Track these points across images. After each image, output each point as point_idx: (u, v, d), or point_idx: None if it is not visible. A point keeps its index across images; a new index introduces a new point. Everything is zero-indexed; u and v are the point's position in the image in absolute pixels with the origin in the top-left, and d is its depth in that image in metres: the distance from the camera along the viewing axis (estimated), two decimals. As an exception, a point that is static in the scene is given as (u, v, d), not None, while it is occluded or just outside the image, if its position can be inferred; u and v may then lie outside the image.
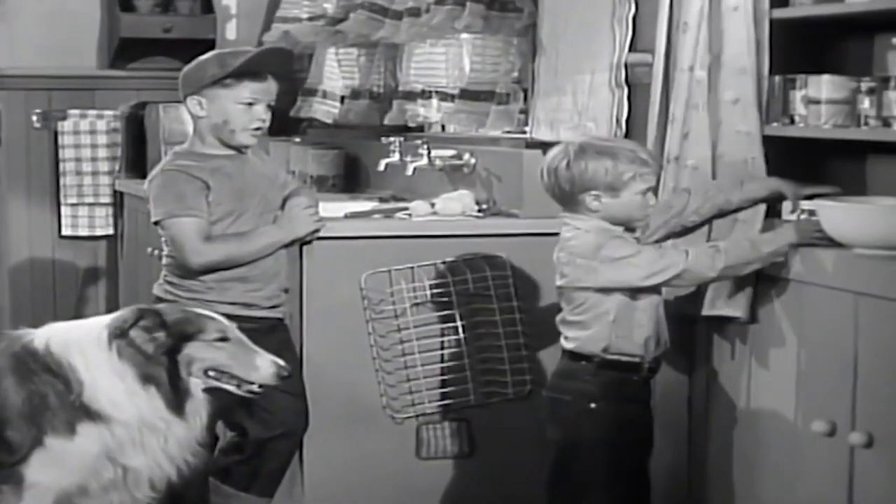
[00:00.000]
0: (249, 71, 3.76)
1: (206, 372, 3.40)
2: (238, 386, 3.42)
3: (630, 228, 3.44)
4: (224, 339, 3.40)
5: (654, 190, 3.45)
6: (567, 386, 3.47)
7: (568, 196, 3.42)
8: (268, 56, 3.91)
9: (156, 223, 3.78)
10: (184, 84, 3.82)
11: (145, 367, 3.34)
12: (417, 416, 4.12)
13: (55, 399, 3.33)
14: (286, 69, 4.03)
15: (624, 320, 3.40)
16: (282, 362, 3.43)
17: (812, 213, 3.38)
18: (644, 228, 3.51)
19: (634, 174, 3.37)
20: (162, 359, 3.35)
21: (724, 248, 3.37)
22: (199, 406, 3.43)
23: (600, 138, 3.57)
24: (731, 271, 3.39)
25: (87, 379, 3.34)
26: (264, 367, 3.41)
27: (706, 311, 3.61)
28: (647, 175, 3.38)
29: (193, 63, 3.83)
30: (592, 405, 3.44)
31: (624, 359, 3.42)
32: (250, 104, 3.76)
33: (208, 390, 3.44)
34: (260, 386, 3.43)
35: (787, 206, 3.59)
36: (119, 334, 3.36)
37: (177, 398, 3.36)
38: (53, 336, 3.41)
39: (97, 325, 3.44)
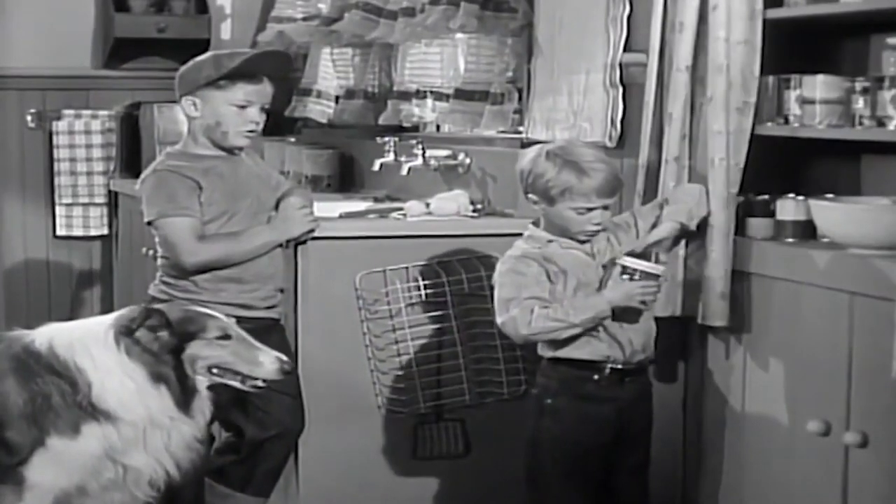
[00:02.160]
0: (244, 73, 3.76)
1: (209, 369, 3.43)
2: (242, 381, 3.45)
3: (580, 240, 3.45)
4: (226, 337, 3.44)
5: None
6: (537, 381, 3.52)
7: (523, 193, 3.46)
8: (264, 59, 3.90)
9: (149, 223, 3.78)
10: (180, 84, 3.82)
11: (154, 365, 3.38)
12: (413, 415, 4.12)
13: (59, 400, 3.35)
14: (283, 72, 4.03)
15: None
16: (284, 357, 3.47)
17: (635, 272, 3.34)
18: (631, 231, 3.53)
19: (563, 191, 3.37)
20: (167, 357, 3.39)
21: (539, 314, 3.35)
22: (203, 403, 3.47)
23: (582, 147, 3.47)
24: (538, 338, 3.41)
25: (95, 380, 3.35)
26: (267, 362, 3.44)
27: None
28: (579, 199, 3.37)
29: (190, 63, 3.84)
30: (549, 401, 3.46)
31: (579, 357, 3.42)
32: (243, 106, 3.76)
33: (211, 387, 3.47)
34: (264, 381, 3.46)
35: (783, 205, 3.59)
36: (126, 332, 3.38)
37: (185, 396, 3.40)
38: (56, 337, 3.42)
39: (100, 324, 3.45)
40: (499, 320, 3.44)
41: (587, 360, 3.42)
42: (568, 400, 3.45)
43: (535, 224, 3.50)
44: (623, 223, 3.54)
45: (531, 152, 3.46)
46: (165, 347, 3.39)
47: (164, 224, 3.73)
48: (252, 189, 3.82)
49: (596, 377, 3.43)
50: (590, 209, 3.38)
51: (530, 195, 3.44)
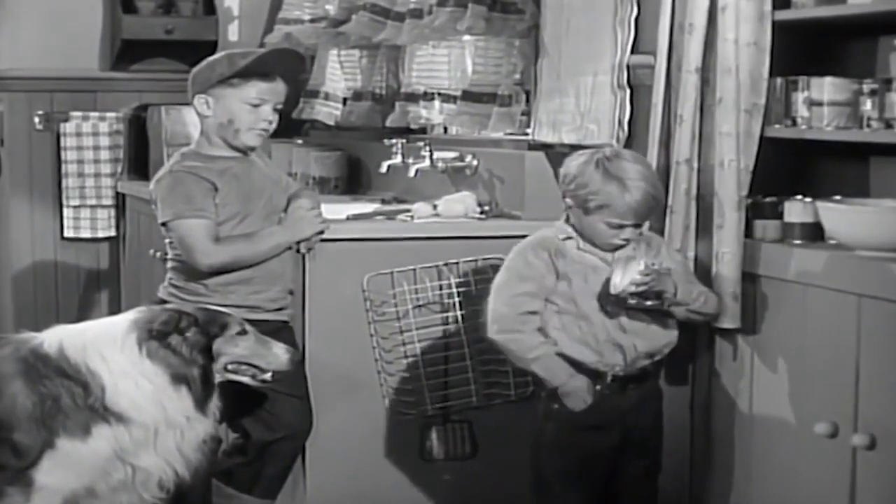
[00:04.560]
0: (258, 71, 3.75)
1: (225, 366, 3.45)
2: (254, 377, 3.50)
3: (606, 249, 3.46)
4: (244, 333, 3.47)
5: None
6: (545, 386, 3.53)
7: (561, 195, 3.47)
8: (277, 57, 3.90)
9: (163, 224, 3.77)
10: (193, 83, 3.82)
11: (179, 367, 3.39)
12: (420, 417, 4.12)
13: (69, 402, 3.35)
14: (295, 71, 4.02)
15: (558, 327, 3.45)
16: (291, 348, 3.55)
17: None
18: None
19: (601, 205, 3.37)
20: (197, 358, 3.40)
21: (543, 352, 3.41)
22: (216, 402, 3.48)
23: (629, 161, 3.44)
24: (504, 349, 3.48)
25: (108, 382, 3.36)
26: (280, 353, 3.51)
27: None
28: (615, 216, 3.38)
29: (203, 63, 3.83)
30: (554, 406, 3.46)
31: (578, 358, 3.43)
32: (257, 105, 3.76)
33: (220, 385, 3.48)
34: (274, 375, 3.50)
35: (791, 207, 3.59)
36: (158, 337, 3.38)
37: (206, 395, 3.42)
38: (67, 339, 3.42)
39: (114, 327, 3.45)
40: (490, 305, 3.47)
41: (589, 367, 3.42)
42: (574, 416, 3.44)
43: (567, 219, 3.50)
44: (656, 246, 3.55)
45: (580, 157, 3.44)
46: (195, 348, 3.41)
47: (180, 225, 3.72)
48: (265, 190, 3.82)
49: (598, 387, 3.43)
50: (622, 226, 3.39)
51: (567, 199, 3.43)
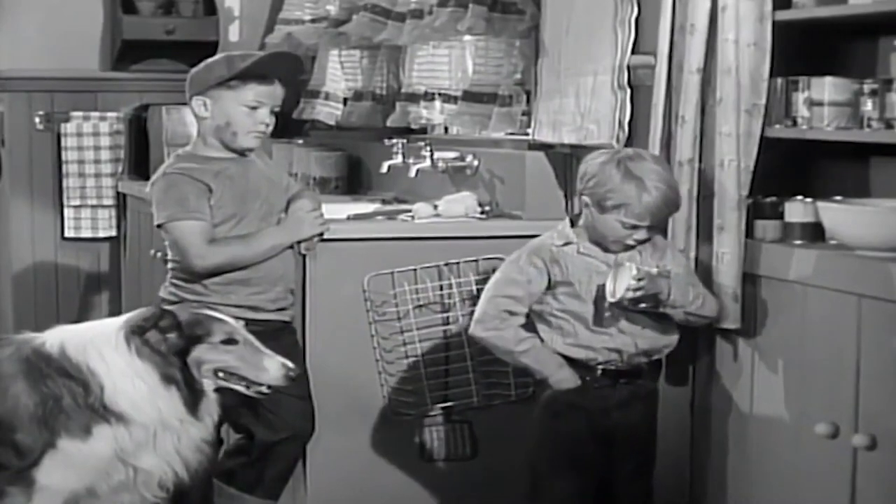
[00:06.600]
0: (256, 74, 3.75)
1: (215, 373, 3.44)
2: (247, 387, 3.46)
3: (605, 249, 3.47)
4: (231, 342, 3.44)
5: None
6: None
7: (577, 189, 3.47)
8: (275, 60, 3.90)
9: (158, 226, 3.78)
10: (191, 84, 3.82)
11: (164, 367, 3.38)
12: (420, 417, 4.12)
13: (70, 402, 3.35)
14: (294, 74, 4.01)
15: (556, 330, 3.47)
16: (290, 363, 3.47)
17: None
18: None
19: (620, 205, 3.38)
20: (174, 360, 3.39)
21: (531, 344, 3.48)
22: (211, 406, 3.48)
23: (653, 160, 3.48)
24: (490, 346, 3.56)
25: (107, 382, 3.36)
26: (273, 368, 3.45)
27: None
28: (631, 216, 3.38)
29: (202, 64, 3.83)
30: (546, 393, 3.48)
31: (573, 356, 3.43)
32: (254, 107, 3.76)
33: (218, 390, 3.47)
34: (269, 387, 3.46)
35: (791, 207, 3.59)
36: (137, 332, 3.38)
37: (193, 398, 3.41)
38: (68, 339, 3.42)
39: (111, 326, 3.46)
40: (478, 312, 3.52)
41: (580, 359, 3.44)
42: (561, 394, 3.46)
43: (573, 220, 3.50)
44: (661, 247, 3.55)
45: (601, 156, 3.45)
46: (172, 349, 3.40)
47: (174, 228, 3.72)
48: (262, 191, 3.82)
49: (587, 378, 3.44)
50: (636, 226, 3.39)
51: (584, 197, 3.44)
